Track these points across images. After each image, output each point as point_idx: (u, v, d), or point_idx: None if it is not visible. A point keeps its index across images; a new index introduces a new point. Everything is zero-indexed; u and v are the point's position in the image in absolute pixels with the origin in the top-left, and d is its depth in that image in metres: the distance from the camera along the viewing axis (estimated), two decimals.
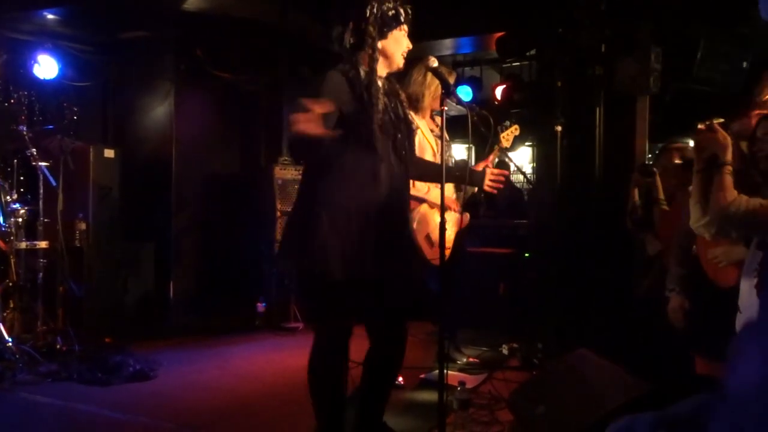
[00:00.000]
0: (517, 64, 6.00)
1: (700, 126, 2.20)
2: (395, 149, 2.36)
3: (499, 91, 5.39)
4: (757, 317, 0.58)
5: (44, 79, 5.06)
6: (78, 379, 3.68)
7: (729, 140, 2.11)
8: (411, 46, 2.42)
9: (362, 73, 2.33)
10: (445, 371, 2.31)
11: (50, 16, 5.04)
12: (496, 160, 3.95)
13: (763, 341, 0.54)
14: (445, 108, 2.33)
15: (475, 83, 6.25)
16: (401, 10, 2.36)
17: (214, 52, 5.56)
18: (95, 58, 5.76)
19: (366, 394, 2.56)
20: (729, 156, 2.10)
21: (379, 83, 2.37)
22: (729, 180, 2.07)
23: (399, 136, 2.37)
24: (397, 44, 2.38)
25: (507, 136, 3.86)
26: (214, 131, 5.97)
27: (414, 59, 2.74)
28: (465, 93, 5.95)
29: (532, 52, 5.22)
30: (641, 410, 2.38)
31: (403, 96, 2.49)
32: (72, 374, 3.73)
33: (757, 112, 2.70)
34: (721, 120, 2.24)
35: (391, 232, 2.37)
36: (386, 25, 2.34)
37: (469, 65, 6.52)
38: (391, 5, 2.35)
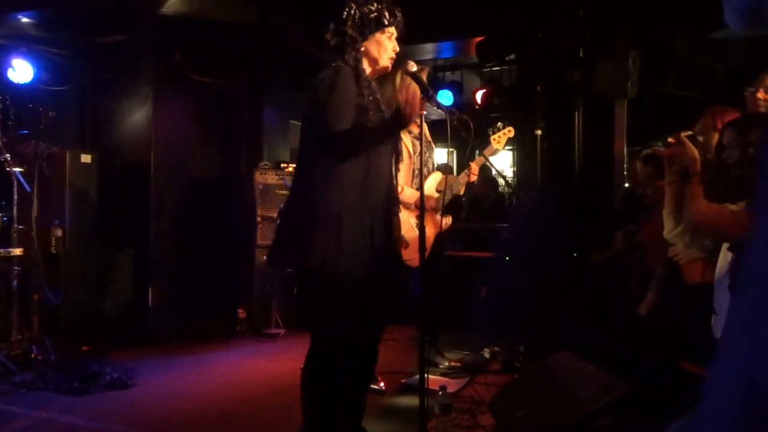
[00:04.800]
0: (498, 68, 6.03)
1: (669, 140, 2.26)
2: (392, 151, 2.39)
3: (479, 95, 5.42)
4: (732, 320, 0.57)
5: (19, 84, 4.97)
6: (54, 389, 3.61)
7: (697, 152, 2.18)
8: (398, 49, 2.44)
9: (360, 72, 2.36)
10: (426, 375, 2.30)
11: (25, 20, 4.96)
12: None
13: (742, 342, 0.54)
14: (424, 112, 2.33)
15: (456, 87, 6.27)
16: (385, 13, 2.37)
17: (193, 56, 5.51)
18: (72, 62, 5.68)
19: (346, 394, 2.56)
20: (698, 167, 2.16)
21: (373, 83, 2.40)
22: (699, 190, 2.12)
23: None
24: (380, 47, 2.39)
25: (499, 138, 3.82)
26: (194, 136, 5.92)
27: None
28: (446, 97, 5.98)
29: (512, 56, 5.26)
30: (621, 411, 2.40)
31: (393, 95, 2.51)
32: (48, 384, 3.65)
33: (711, 109, 2.78)
34: (689, 133, 2.32)
35: (382, 232, 2.40)
36: (366, 27, 2.35)
37: (450, 69, 6.54)
38: (373, 8, 2.36)
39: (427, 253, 3.53)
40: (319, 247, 2.25)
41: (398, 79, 3.45)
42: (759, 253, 0.54)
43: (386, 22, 2.37)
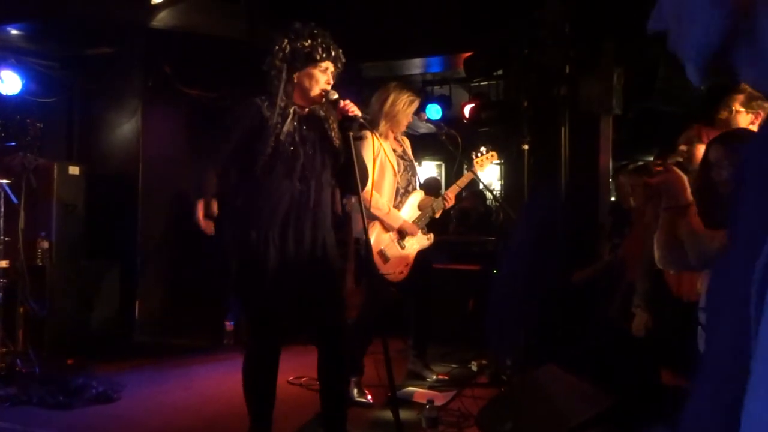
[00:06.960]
0: (485, 83, 6.10)
1: (657, 168, 2.26)
2: (296, 170, 2.56)
3: (467, 110, 5.47)
4: (708, 349, 0.58)
5: (7, 95, 4.96)
6: (38, 403, 3.57)
7: (686, 180, 2.17)
8: (332, 82, 2.60)
9: (278, 100, 2.55)
10: (395, 390, 2.40)
11: (14, 32, 4.96)
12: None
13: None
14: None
15: (445, 102, 6.33)
16: (318, 49, 2.52)
17: (182, 69, 5.52)
18: (60, 73, 5.67)
19: (324, 404, 2.78)
20: (689, 196, 2.15)
21: (290, 110, 2.56)
22: (698, 220, 2.10)
23: (302, 159, 2.57)
24: (312, 80, 2.56)
25: (481, 161, 4.00)
26: (182, 148, 5.91)
27: (380, 84, 2.91)
28: (434, 111, 6.03)
29: (499, 72, 5.32)
30: (606, 424, 2.41)
31: (332, 122, 2.66)
32: (32, 398, 3.61)
33: (696, 125, 2.81)
34: (678, 159, 2.33)
35: (299, 246, 2.57)
36: (298, 61, 2.54)
37: (439, 84, 6.60)
38: (306, 44, 2.52)
39: (409, 269, 3.71)
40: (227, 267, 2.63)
41: (375, 101, 3.60)
42: (731, 281, 0.54)
43: (318, 58, 2.53)
